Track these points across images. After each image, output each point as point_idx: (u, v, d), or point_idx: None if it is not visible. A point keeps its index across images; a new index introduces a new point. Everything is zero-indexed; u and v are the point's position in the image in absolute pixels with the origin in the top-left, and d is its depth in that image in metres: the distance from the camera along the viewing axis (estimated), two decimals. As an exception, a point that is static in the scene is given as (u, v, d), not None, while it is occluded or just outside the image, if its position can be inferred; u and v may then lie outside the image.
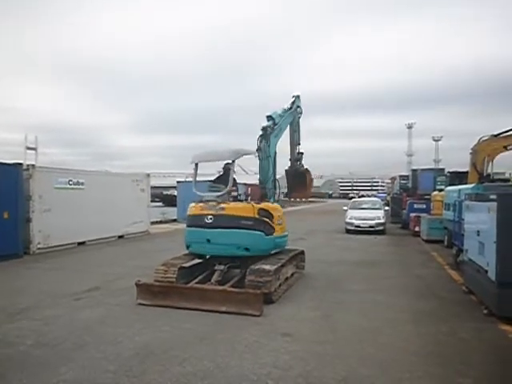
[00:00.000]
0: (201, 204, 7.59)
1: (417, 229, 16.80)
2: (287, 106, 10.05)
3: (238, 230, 7.15)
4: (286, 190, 11.86)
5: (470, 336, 5.31)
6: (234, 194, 7.86)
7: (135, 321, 5.83)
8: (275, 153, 9.02)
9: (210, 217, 7.25)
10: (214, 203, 7.41)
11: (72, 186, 13.75)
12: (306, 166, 11.32)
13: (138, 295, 6.71)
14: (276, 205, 8.34)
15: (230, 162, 7.83)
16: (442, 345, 5.01)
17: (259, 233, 7.30)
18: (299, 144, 11.14)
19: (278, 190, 8.95)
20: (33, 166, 12.89)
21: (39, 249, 12.32)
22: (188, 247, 7.82)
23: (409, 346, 4.96)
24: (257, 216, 7.29)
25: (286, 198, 11.32)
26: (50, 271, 9.89)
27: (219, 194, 7.59)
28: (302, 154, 11.21)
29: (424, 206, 18.10)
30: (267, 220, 7.51)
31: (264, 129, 8.69)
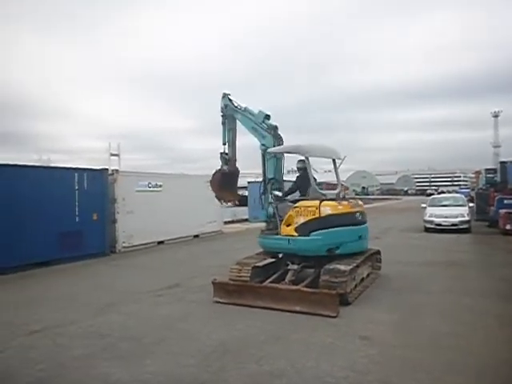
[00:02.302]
0: (345, 202, 7.62)
1: (508, 227, 15.33)
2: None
3: (366, 225, 7.99)
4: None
5: None
6: (346, 191, 8.48)
7: (212, 318, 6.02)
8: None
9: (358, 213, 7.68)
10: (353, 200, 8.15)
11: (151, 189, 14.62)
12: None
13: (214, 293, 6.92)
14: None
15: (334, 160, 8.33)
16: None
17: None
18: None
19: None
20: (117, 170, 13.94)
21: (124, 247, 13.28)
22: (330, 250, 7.05)
23: (498, 353, 4.51)
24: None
25: None
26: (133, 268, 10.60)
27: (336, 191, 8.10)
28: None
29: (516, 202, 16.48)
30: None
31: None
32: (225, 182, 9.47)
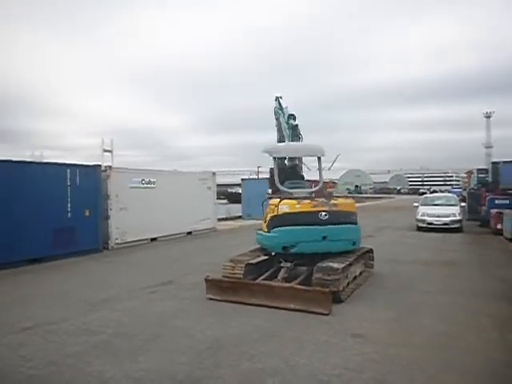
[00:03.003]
0: (307, 201, 7.35)
1: (499, 226, 15.48)
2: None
3: (348, 226, 7.43)
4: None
5: None
6: (331, 190, 8.18)
7: (205, 315, 6.01)
8: None
9: (324, 213, 7.20)
10: (323, 199, 7.52)
11: (145, 185, 14.53)
12: None
13: (207, 290, 6.90)
14: None
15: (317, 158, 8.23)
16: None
17: (359, 227, 7.68)
18: None
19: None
20: (110, 167, 13.84)
21: (117, 244, 13.19)
22: (285, 248, 7.14)
23: (494, 353, 4.55)
24: (355, 211, 7.70)
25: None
26: (126, 265, 10.54)
27: (312, 190, 7.80)
28: None
29: (507, 202, 16.68)
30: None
31: None
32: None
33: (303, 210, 7.22)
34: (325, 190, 7.83)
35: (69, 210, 11.58)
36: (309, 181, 8.75)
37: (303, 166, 8.89)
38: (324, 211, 7.21)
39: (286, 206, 7.24)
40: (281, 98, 9.88)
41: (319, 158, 8.30)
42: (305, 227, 7.11)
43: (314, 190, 7.70)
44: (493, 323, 5.58)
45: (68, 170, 11.65)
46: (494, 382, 3.90)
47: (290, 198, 7.49)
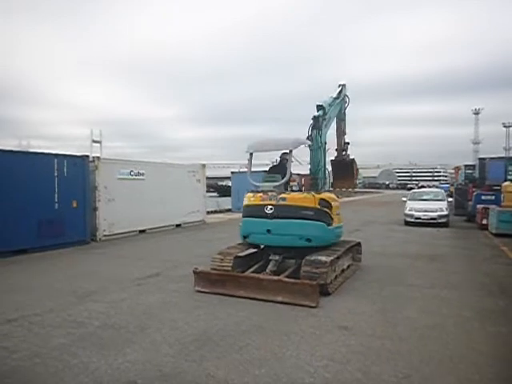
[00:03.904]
0: (260, 194, 7.55)
1: (484, 222, 15.74)
2: (334, 95, 9.77)
3: (300, 221, 7.10)
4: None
5: (549, 339, 4.86)
6: (293, 183, 7.94)
7: (193, 307, 6.00)
8: (325, 143, 8.83)
9: (270, 207, 7.24)
10: (274, 193, 7.37)
11: (133, 177, 14.42)
12: (351, 156, 10.96)
13: (195, 282, 6.90)
14: (333, 195, 8.16)
15: (288, 151, 7.74)
16: (516, 347, 4.63)
17: (321, 223, 7.20)
18: (345, 134, 10.79)
19: (328, 181, 8.96)
20: (98, 158, 13.67)
21: (105, 236, 13.10)
22: (245, 238, 7.76)
23: (477, 345, 4.63)
24: (318, 206, 7.19)
25: (331, 189, 10.87)
26: (114, 257, 10.47)
27: (276, 184, 7.55)
28: (348, 143, 10.91)
29: (493, 198, 16.96)
30: (327, 210, 7.38)
31: (316, 118, 8.46)
32: (338, 171, 10.54)
33: (254, 203, 7.54)
34: (288, 184, 7.74)
35: (56, 200, 11.45)
36: (299, 175, 8.76)
37: (293, 160, 8.73)
38: (270, 205, 7.26)
39: (246, 199, 7.77)
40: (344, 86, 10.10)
41: (290, 151, 7.91)
42: (255, 219, 7.46)
43: (278, 183, 7.59)
44: (475, 316, 5.67)
45: (55, 160, 11.49)
46: (474, 371, 3.97)
47: (257, 192, 7.67)
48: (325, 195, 7.61)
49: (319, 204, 7.21)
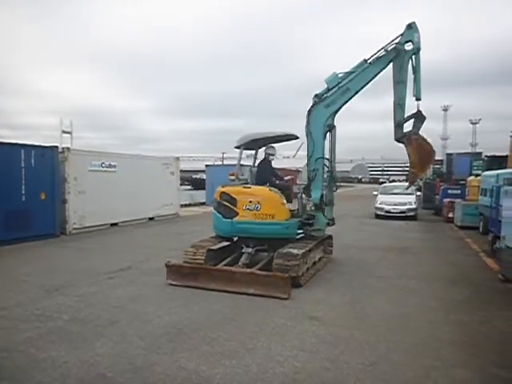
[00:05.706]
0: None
1: (450, 215, 16.35)
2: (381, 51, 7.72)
3: (214, 211, 7.91)
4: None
5: (508, 325, 5.13)
6: (242, 177, 8.32)
7: (165, 300, 5.98)
8: (332, 126, 8.21)
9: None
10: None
11: (105, 169, 14.12)
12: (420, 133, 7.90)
13: (167, 276, 6.87)
14: (252, 188, 7.62)
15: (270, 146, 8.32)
16: (476, 334, 4.86)
17: (218, 215, 7.75)
18: (420, 99, 7.81)
19: (333, 173, 8.94)
20: (68, 148, 13.30)
21: (75, 229, 12.81)
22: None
23: (440, 333, 4.84)
24: (218, 199, 7.74)
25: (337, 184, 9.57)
26: (84, 250, 10.26)
27: (232, 178, 8.12)
28: (417, 114, 7.89)
29: (458, 192, 17.64)
30: (227, 204, 7.59)
31: (313, 99, 7.90)
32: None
33: (215, 196, 7.93)
34: (237, 178, 8.19)
35: (23, 192, 11.10)
36: (284, 169, 8.86)
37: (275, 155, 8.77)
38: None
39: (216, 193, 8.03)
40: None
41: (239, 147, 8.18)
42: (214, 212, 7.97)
43: (244, 177, 8.17)
44: (440, 305, 5.91)
45: (22, 151, 11.12)
46: (436, 358, 4.16)
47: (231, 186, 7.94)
48: (228, 189, 7.68)
49: (220, 197, 7.70)
